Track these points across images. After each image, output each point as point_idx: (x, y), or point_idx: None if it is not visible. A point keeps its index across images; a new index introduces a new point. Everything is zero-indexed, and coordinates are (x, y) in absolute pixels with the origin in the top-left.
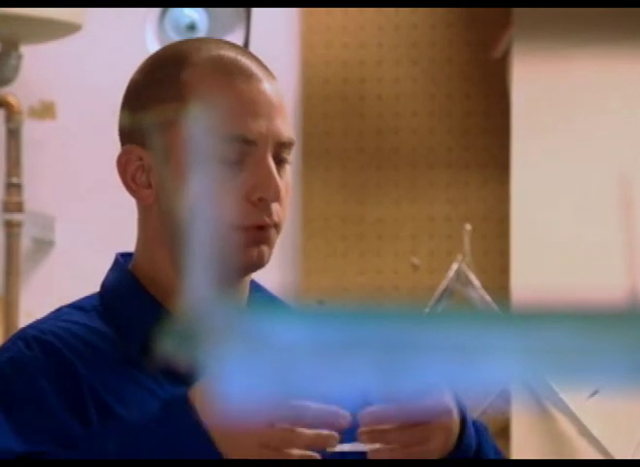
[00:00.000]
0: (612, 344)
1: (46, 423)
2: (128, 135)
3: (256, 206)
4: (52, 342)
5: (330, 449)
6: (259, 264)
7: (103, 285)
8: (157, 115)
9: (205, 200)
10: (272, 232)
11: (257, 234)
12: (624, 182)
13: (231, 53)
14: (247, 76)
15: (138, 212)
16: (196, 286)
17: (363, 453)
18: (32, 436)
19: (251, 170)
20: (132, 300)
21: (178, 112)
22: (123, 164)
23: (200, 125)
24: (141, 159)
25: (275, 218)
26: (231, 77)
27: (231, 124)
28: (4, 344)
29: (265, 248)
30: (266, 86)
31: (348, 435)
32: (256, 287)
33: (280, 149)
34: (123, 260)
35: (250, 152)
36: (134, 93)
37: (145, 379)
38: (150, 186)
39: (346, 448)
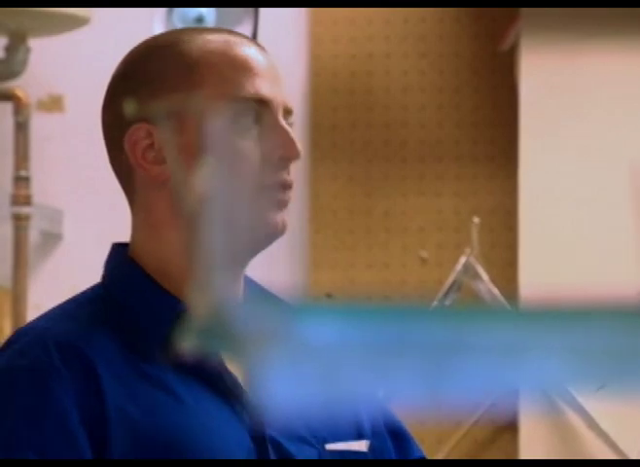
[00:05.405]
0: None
1: (63, 443)
2: (134, 114)
3: (276, 166)
4: (72, 349)
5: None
6: (283, 230)
7: (108, 278)
8: (167, 88)
9: (226, 166)
10: (290, 193)
11: (279, 194)
12: (635, 175)
13: (223, 31)
14: (249, 45)
15: (142, 197)
16: (216, 274)
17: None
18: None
19: (267, 131)
20: (143, 294)
21: (189, 83)
22: (132, 143)
23: (213, 91)
24: (151, 135)
25: (292, 177)
26: (236, 45)
27: (244, 85)
28: (21, 346)
29: (285, 213)
30: (267, 54)
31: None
32: (248, 280)
33: (286, 115)
34: (121, 250)
35: (264, 113)
36: (137, 71)
37: (161, 376)
38: (162, 162)
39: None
